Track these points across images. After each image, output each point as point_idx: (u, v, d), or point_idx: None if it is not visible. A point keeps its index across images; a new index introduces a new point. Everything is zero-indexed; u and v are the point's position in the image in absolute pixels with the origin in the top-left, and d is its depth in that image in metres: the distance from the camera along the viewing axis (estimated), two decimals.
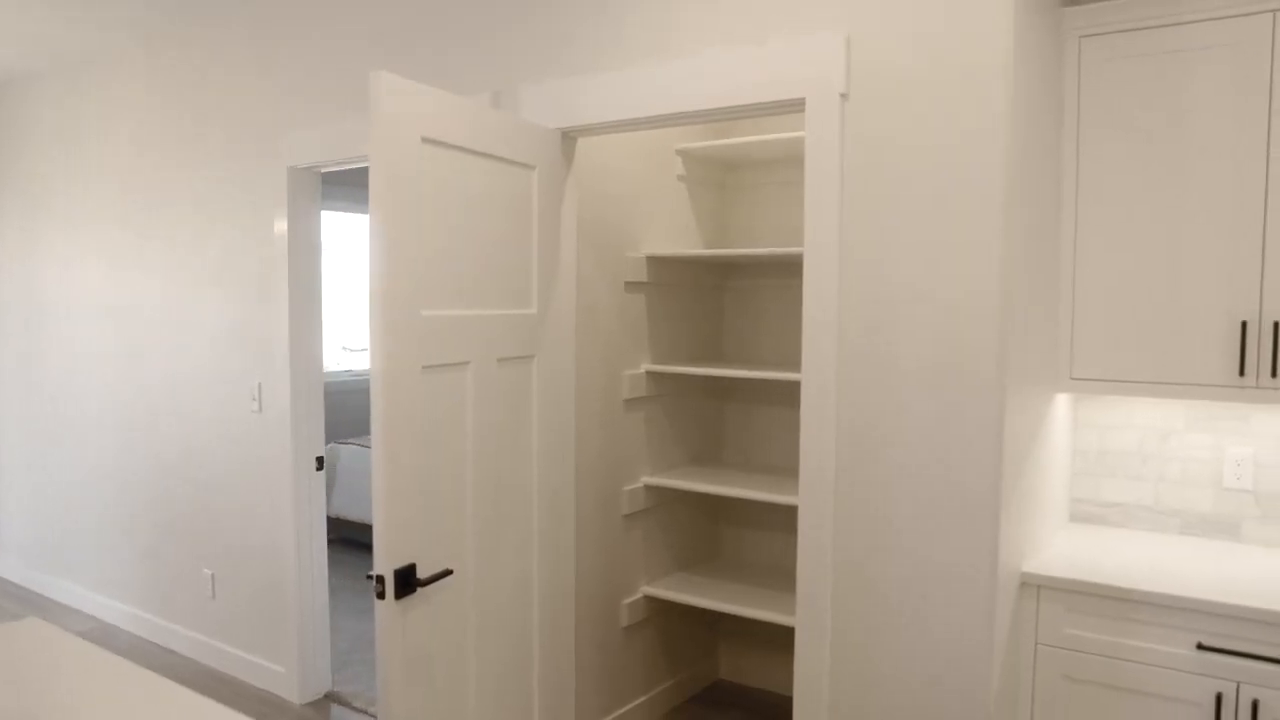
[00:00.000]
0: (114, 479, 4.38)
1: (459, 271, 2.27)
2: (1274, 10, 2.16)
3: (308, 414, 3.58)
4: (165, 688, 1.62)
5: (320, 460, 3.63)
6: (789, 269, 3.58)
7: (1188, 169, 2.27)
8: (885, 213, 2.18)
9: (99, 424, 4.44)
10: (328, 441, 6.50)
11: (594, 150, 3.07)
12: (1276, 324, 2.18)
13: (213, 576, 3.93)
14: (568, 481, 2.73)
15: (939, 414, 2.12)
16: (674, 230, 3.48)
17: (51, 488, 4.78)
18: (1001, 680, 2.15)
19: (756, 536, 3.69)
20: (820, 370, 2.26)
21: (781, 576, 3.48)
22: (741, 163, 3.66)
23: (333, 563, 5.52)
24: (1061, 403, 2.59)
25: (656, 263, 3.38)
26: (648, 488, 3.36)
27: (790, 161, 3.58)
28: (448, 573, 2.17)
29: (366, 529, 5.87)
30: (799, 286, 3.57)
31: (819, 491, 2.28)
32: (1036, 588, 2.23)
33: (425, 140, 2.13)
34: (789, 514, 3.61)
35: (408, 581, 2.09)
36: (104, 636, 4.31)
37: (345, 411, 7.07)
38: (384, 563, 2.05)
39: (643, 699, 3.39)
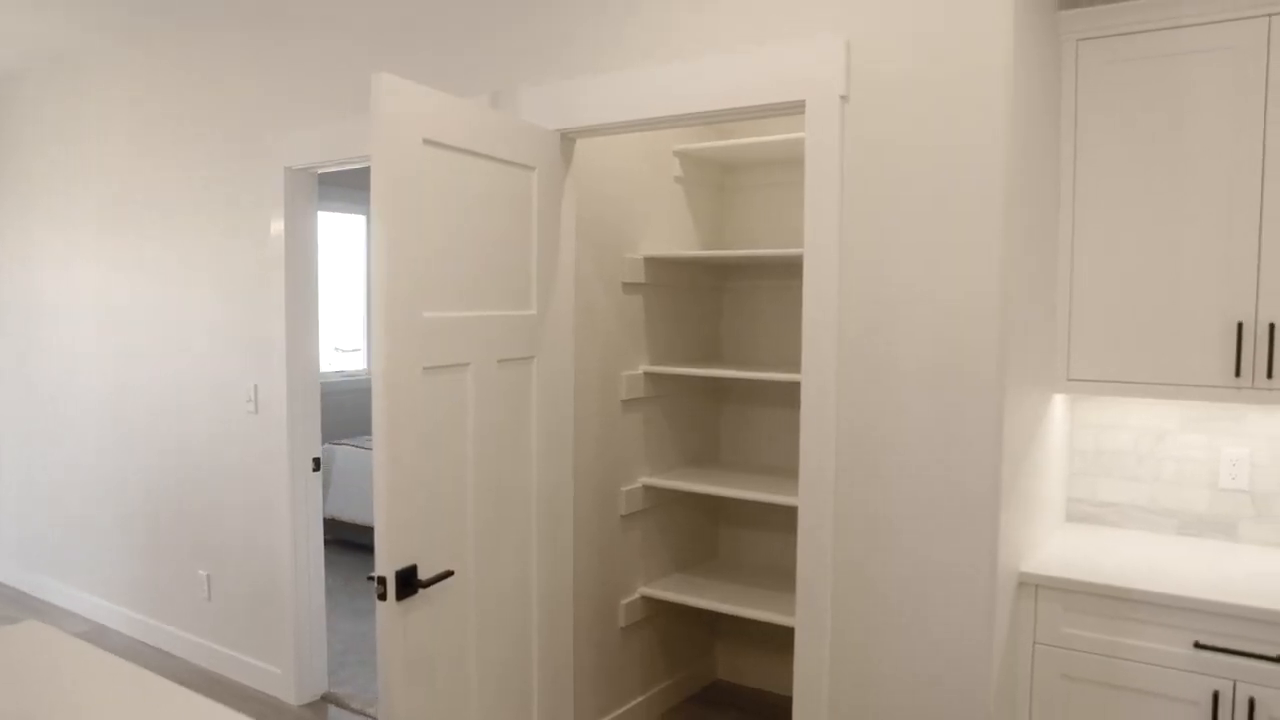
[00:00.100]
0: (109, 480, 4.37)
1: (459, 273, 2.27)
2: (1270, 14, 2.18)
3: (304, 415, 3.57)
4: (168, 689, 1.62)
5: (317, 461, 3.62)
6: (786, 270, 3.59)
7: (1184, 171, 2.29)
8: (885, 214, 2.19)
9: (94, 425, 4.42)
10: (322, 442, 6.49)
11: (592, 151, 3.07)
12: (1272, 325, 2.20)
13: (208, 578, 3.92)
14: (566, 482, 2.73)
15: (939, 414, 2.14)
16: (672, 231, 3.49)
17: (46, 489, 4.76)
18: (1000, 680, 2.16)
19: (754, 537, 3.70)
20: (820, 371, 2.27)
21: (779, 576, 3.49)
22: (739, 164, 3.67)
23: (328, 564, 5.51)
24: (1058, 403, 2.60)
25: (654, 264, 3.38)
26: (646, 488, 3.36)
27: (788, 163, 3.59)
28: (449, 574, 2.18)
29: (362, 530, 5.86)
30: (796, 287, 3.58)
31: (819, 492, 2.29)
32: (1035, 587, 2.24)
33: (426, 142, 2.13)
34: (787, 514, 3.62)
35: (409, 582, 2.09)
36: (98, 638, 4.30)
37: (339, 412, 7.06)
38: (385, 564, 2.05)
39: (641, 699, 3.40)
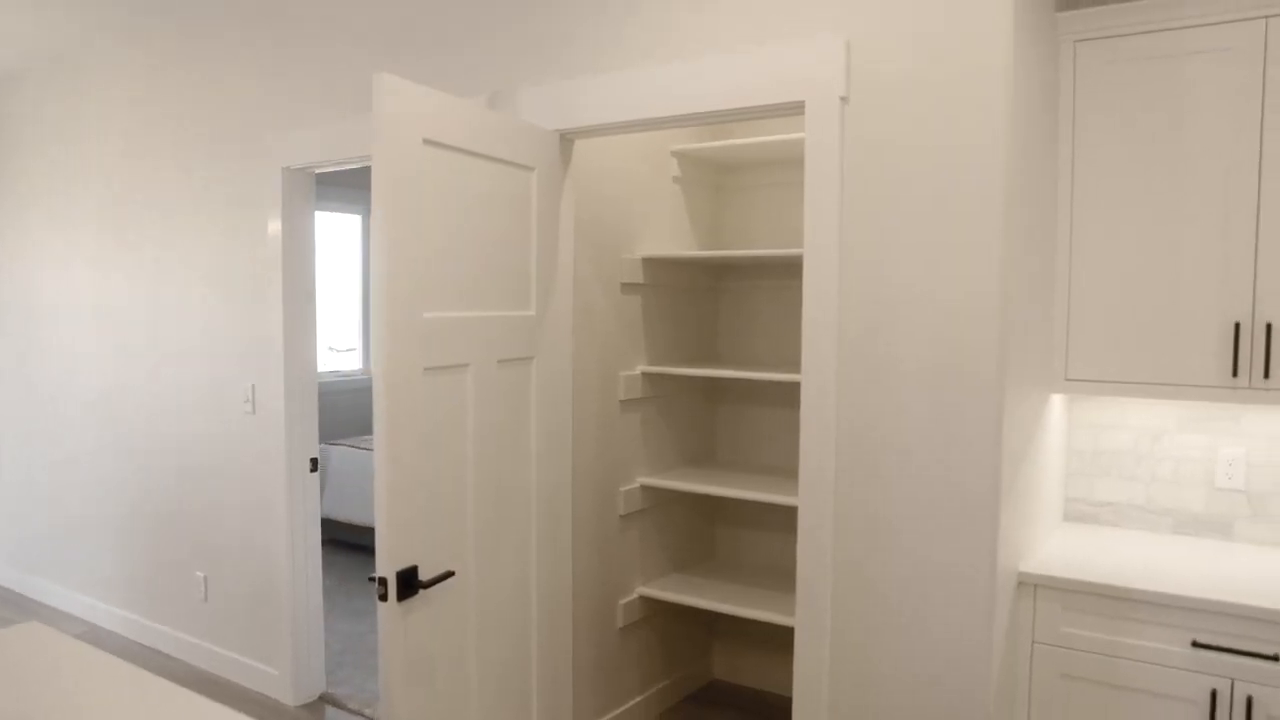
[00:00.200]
0: (106, 481, 4.36)
1: (459, 273, 2.27)
2: (1267, 16, 2.19)
3: (301, 415, 3.57)
4: (170, 691, 1.62)
5: (314, 462, 3.62)
6: (784, 270, 3.60)
7: (1181, 172, 2.30)
8: (885, 214, 2.19)
9: (91, 425, 4.41)
10: (318, 442, 6.47)
11: (590, 152, 3.07)
12: (1269, 325, 2.21)
13: (205, 579, 3.91)
14: (565, 482, 2.74)
15: (939, 414, 2.14)
16: (669, 231, 3.49)
17: (42, 489, 4.75)
18: (999, 679, 2.17)
19: (752, 537, 3.71)
20: (820, 371, 2.27)
21: (777, 576, 3.49)
22: (736, 164, 3.67)
23: (324, 564, 5.51)
24: (1056, 403, 2.61)
25: (652, 264, 3.39)
26: (644, 488, 3.37)
27: (785, 163, 3.60)
28: (449, 574, 2.18)
29: (357, 530, 5.85)
30: (794, 288, 3.58)
31: (819, 492, 2.29)
32: (1033, 587, 2.25)
33: (427, 142, 2.13)
34: (784, 514, 3.63)
35: (409, 583, 2.09)
36: (94, 640, 4.28)
37: (335, 412, 7.04)
38: (386, 565, 2.05)
39: (639, 699, 3.40)
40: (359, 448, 5.76)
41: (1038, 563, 2.31)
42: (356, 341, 7.31)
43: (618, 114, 2.54)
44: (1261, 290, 2.22)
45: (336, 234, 7.08)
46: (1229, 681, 2.05)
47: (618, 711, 3.29)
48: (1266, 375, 2.22)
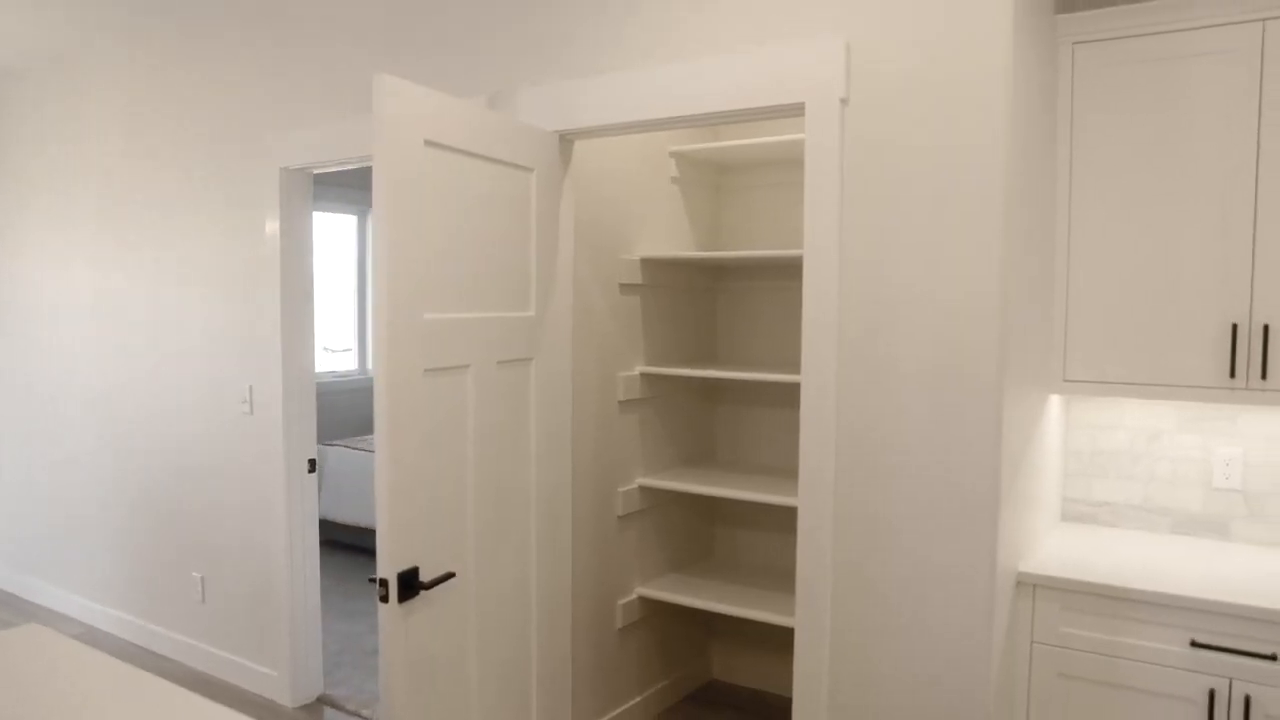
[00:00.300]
0: (103, 482, 4.34)
1: (459, 274, 2.27)
2: (1264, 19, 2.20)
3: (299, 415, 3.56)
4: (173, 693, 1.61)
5: (312, 463, 3.61)
6: (781, 271, 3.60)
7: (1179, 173, 2.31)
8: (885, 215, 2.20)
9: (88, 426, 4.40)
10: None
11: (589, 152, 3.07)
12: (1266, 327, 2.22)
13: (202, 579, 3.90)
14: (564, 483, 2.74)
15: (938, 415, 2.15)
16: (667, 232, 3.50)
17: (38, 490, 4.73)
18: (998, 679, 2.18)
19: (749, 537, 3.71)
20: (820, 372, 2.28)
21: (774, 576, 3.50)
22: (734, 165, 3.68)
23: (320, 565, 5.49)
24: (1054, 404, 2.62)
25: (650, 265, 3.39)
26: (642, 489, 3.37)
27: (783, 163, 3.60)
28: (450, 575, 2.18)
29: (353, 531, 5.84)
30: (791, 288, 3.59)
31: (818, 492, 2.30)
32: (1032, 586, 2.26)
33: (428, 143, 2.13)
34: (782, 514, 3.63)
35: (410, 584, 2.09)
36: (90, 641, 4.27)
37: (332, 413, 7.03)
38: (387, 566, 2.04)
39: (637, 699, 3.40)
40: (355, 448, 5.75)
41: (1036, 563, 2.32)
42: (352, 342, 7.30)
43: (617, 115, 2.54)
44: (1259, 291, 2.23)
45: (332, 234, 7.07)
46: (1227, 681, 2.07)
47: (616, 712, 3.29)
48: (1264, 376, 2.23)
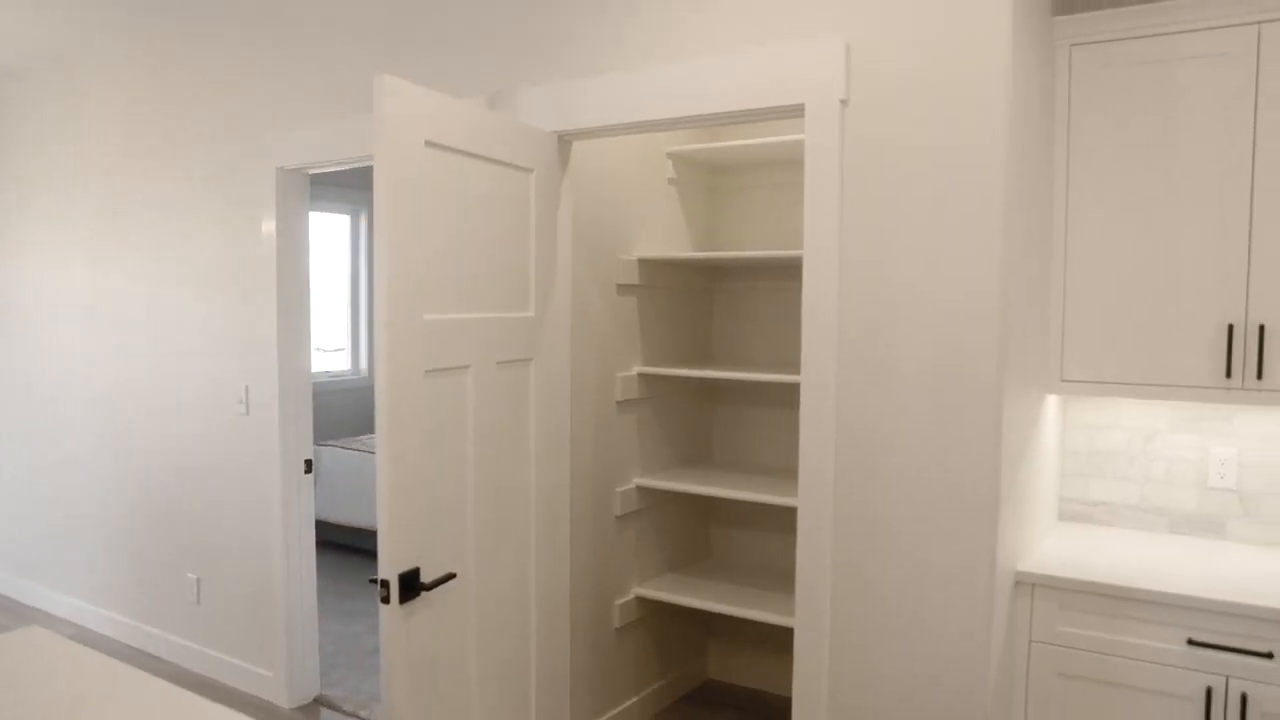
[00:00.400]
0: (96, 482, 4.32)
1: (459, 275, 2.27)
2: (1260, 22, 2.22)
3: (296, 416, 3.55)
4: (175, 695, 1.61)
5: (308, 463, 3.60)
6: (778, 271, 3.61)
7: (1176, 175, 2.32)
8: (885, 216, 2.21)
9: (83, 427, 4.38)
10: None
11: (587, 153, 3.08)
12: (1262, 327, 2.24)
13: (198, 581, 3.89)
14: (563, 483, 2.74)
15: (938, 415, 2.16)
16: (665, 233, 3.50)
17: (31, 491, 4.71)
18: (998, 679, 2.19)
19: (746, 537, 3.72)
20: (820, 372, 2.29)
21: (771, 576, 3.51)
22: (731, 166, 3.69)
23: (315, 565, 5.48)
24: (1051, 404, 2.64)
25: (648, 265, 3.39)
26: (640, 489, 3.37)
27: (780, 164, 3.61)
28: (451, 576, 2.18)
29: (349, 531, 5.83)
30: (788, 289, 3.60)
31: (818, 493, 2.30)
32: (1031, 586, 2.27)
33: (428, 144, 2.13)
34: (779, 514, 3.64)
35: (411, 585, 2.09)
36: (84, 643, 4.25)
37: (327, 413, 7.01)
38: (388, 567, 2.04)
39: (634, 699, 3.41)
40: (350, 449, 5.74)
41: (1035, 562, 2.33)
42: (345, 341, 7.28)
43: (617, 115, 2.54)
44: (1254, 292, 2.25)
45: (326, 234, 7.05)
46: (1224, 679, 2.08)
47: (614, 712, 3.29)
48: (1259, 376, 2.25)
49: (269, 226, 3.48)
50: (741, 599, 3.23)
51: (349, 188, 7.05)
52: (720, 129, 3.68)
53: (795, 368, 3.44)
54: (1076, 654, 2.23)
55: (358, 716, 3.51)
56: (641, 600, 3.40)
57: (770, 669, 3.70)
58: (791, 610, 3.08)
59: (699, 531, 3.75)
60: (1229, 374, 2.28)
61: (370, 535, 5.74)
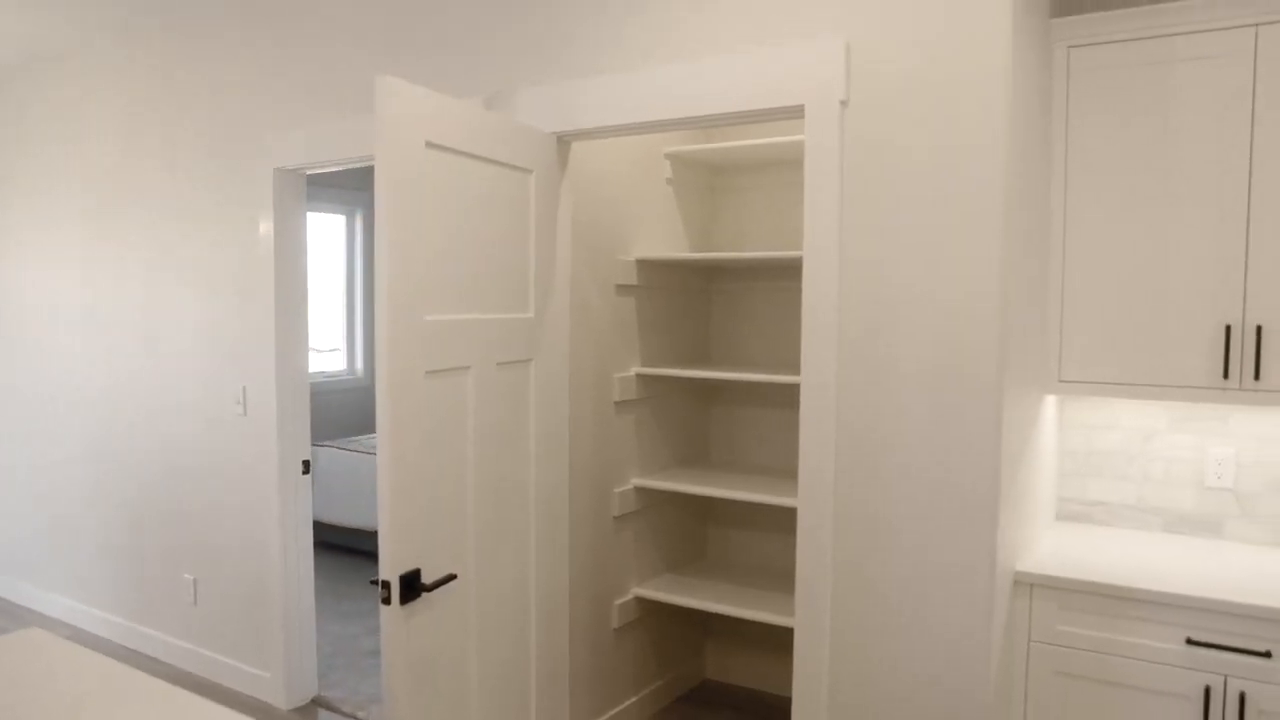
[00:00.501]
0: (92, 483, 4.31)
1: (460, 275, 2.27)
2: (1256, 24, 2.23)
3: (293, 416, 3.55)
4: (177, 696, 1.61)
5: (306, 464, 3.60)
6: (776, 272, 3.62)
7: (1173, 176, 2.33)
8: (885, 216, 2.21)
9: (78, 428, 4.36)
10: None
11: (585, 154, 3.08)
12: (1260, 328, 2.25)
13: (194, 581, 3.88)
14: (562, 484, 2.74)
15: (938, 416, 2.16)
16: (662, 233, 3.50)
17: (25, 492, 4.69)
18: (998, 678, 2.19)
19: (743, 537, 3.73)
20: (820, 372, 2.29)
21: (769, 576, 3.51)
22: (728, 166, 3.69)
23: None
24: (1049, 404, 2.65)
25: (646, 266, 3.39)
26: (638, 489, 3.37)
27: (777, 165, 3.61)
28: (452, 577, 2.17)
29: (345, 532, 5.82)
30: (786, 289, 3.60)
31: (818, 493, 2.31)
32: (1030, 586, 2.28)
33: (429, 144, 2.13)
34: (776, 514, 3.64)
35: (412, 586, 2.09)
36: (81, 644, 4.23)
37: (322, 413, 6.99)
38: (389, 568, 2.04)
39: (633, 699, 3.41)
40: (346, 449, 5.73)
41: (1034, 562, 2.34)
42: (340, 342, 7.26)
43: (617, 116, 2.54)
44: (1252, 293, 2.26)
45: (321, 234, 7.04)
46: (1222, 678, 2.09)
47: (613, 712, 3.29)
48: (1257, 377, 2.26)
49: (267, 227, 3.47)
50: (739, 599, 3.24)
51: (344, 188, 7.03)
52: (717, 129, 3.68)
53: (792, 368, 3.45)
54: (1076, 653, 2.24)
55: (356, 717, 3.50)
56: (640, 600, 3.40)
57: (768, 669, 3.71)
58: (789, 610, 3.08)
59: (696, 532, 3.76)
60: (1226, 374, 2.29)
61: (367, 536, 5.73)
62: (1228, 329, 2.28)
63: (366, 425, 7.29)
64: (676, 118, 2.46)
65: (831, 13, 2.25)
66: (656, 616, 3.55)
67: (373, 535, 5.67)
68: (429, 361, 2.15)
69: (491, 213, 2.38)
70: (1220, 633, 2.09)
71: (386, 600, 2.05)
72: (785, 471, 3.52)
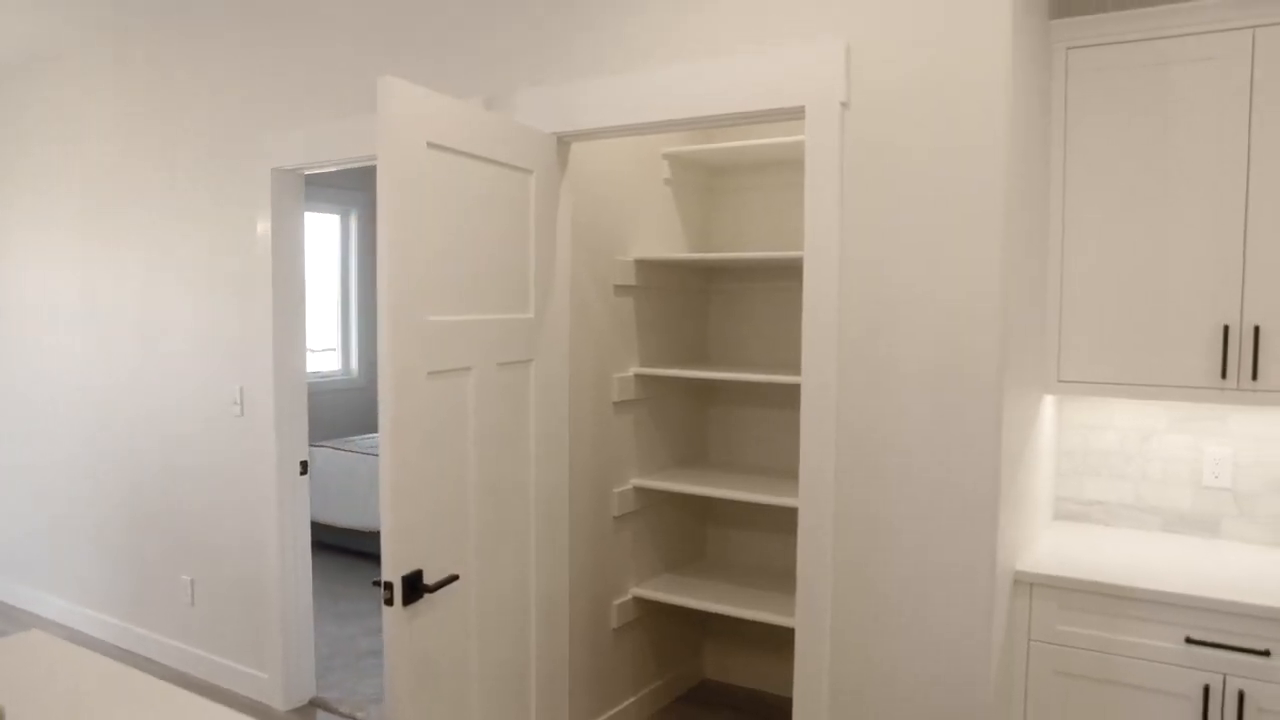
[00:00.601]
0: (88, 484, 4.30)
1: (460, 276, 2.27)
2: (1254, 26, 2.24)
3: (291, 417, 3.54)
4: (178, 696, 1.60)
5: (304, 464, 3.59)
6: (774, 272, 3.62)
7: (1171, 177, 2.34)
8: (886, 217, 2.22)
9: (75, 428, 4.35)
10: None
11: (584, 154, 3.08)
12: (1257, 328, 2.26)
13: (192, 582, 3.87)
14: (563, 484, 2.74)
15: (939, 416, 2.17)
16: (661, 234, 3.51)
17: (23, 493, 4.67)
18: (998, 678, 2.20)
19: (741, 537, 3.73)
20: (821, 372, 2.29)
21: (767, 576, 3.52)
22: (727, 166, 3.69)
23: None
24: (1048, 404, 2.65)
25: (645, 266, 3.40)
26: (637, 489, 3.38)
27: (775, 165, 3.62)
28: (454, 578, 2.17)
29: (341, 532, 5.81)
30: (784, 289, 3.61)
31: (819, 493, 2.31)
32: (1029, 585, 2.28)
33: (430, 145, 2.13)
34: (775, 514, 3.65)
35: (415, 587, 2.09)
36: (78, 645, 4.22)
37: (318, 413, 6.98)
38: (392, 569, 2.04)
39: (632, 699, 3.41)
40: (343, 450, 5.72)
41: (1033, 562, 2.35)
42: (335, 342, 7.25)
43: (617, 117, 2.55)
44: (1250, 293, 2.27)
45: (316, 234, 7.03)
46: (1221, 677, 2.10)
47: (612, 712, 3.30)
48: (1254, 377, 2.27)
49: (264, 227, 3.46)
50: (738, 599, 3.24)
51: (339, 188, 7.02)
52: (716, 130, 3.69)
53: (791, 368, 3.45)
54: (1075, 653, 2.24)
55: (354, 718, 3.50)
56: (639, 600, 3.41)
57: (767, 669, 3.71)
58: (788, 610, 3.09)
59: (695, 532, 3.76)
60: (1224, 375, 2.30)
61: (363, 536, 5.72)
62: (1226, 329, 2.29)
63: (362, 425, 7.28)
64: (677, 118, 2.46)
65: (832, 14, 2.25)
66: (656, 616, 3.55)
67: (370, 536, 5.66)
68: (431, 362, 2.15)
69: (492, 213, 2.38)
70: (1219, 632, 2.10)
71: (389, 601, 2.05)
72: (784, 471, 3.53)
